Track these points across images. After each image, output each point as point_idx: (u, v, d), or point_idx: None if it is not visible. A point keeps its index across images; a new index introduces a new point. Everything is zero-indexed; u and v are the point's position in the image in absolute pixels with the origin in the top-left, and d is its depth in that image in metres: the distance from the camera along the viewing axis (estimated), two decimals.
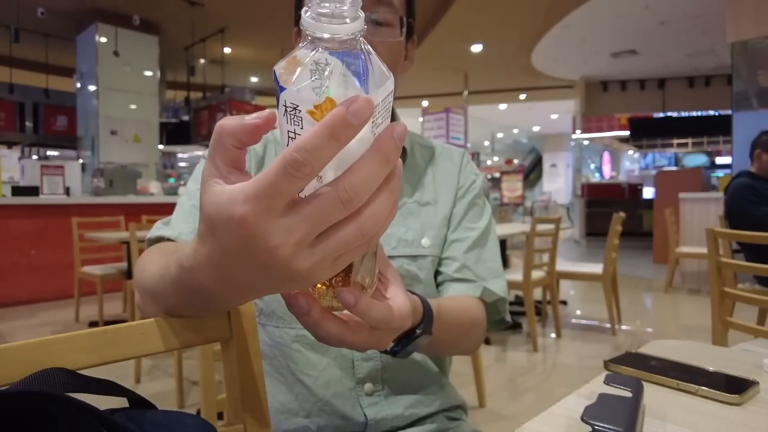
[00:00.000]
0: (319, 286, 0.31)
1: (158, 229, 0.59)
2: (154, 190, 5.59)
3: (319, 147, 0.23)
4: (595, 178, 12.97)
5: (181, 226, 0.56)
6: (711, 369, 0.52)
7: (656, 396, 0.48)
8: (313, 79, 0.24)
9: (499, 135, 17.29)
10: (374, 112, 0.24)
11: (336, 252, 0.26)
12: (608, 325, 3.04)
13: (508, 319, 0.70)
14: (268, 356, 0.64)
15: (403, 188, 0.67)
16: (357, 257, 0.29)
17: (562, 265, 3.13)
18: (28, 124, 7.37)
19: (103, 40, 6.02)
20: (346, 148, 0.24)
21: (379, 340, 0.36)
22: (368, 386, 0.61)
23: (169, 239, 0.56)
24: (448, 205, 0.69)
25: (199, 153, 11.12)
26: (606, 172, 13.92)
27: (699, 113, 9.59)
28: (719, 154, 11.67)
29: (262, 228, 0.25)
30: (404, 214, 0.65)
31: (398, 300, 0.36)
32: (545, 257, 2.90)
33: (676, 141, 11.31)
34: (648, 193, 9.35)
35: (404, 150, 0.68)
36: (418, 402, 0.64)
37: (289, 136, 0.25)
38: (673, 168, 11.11)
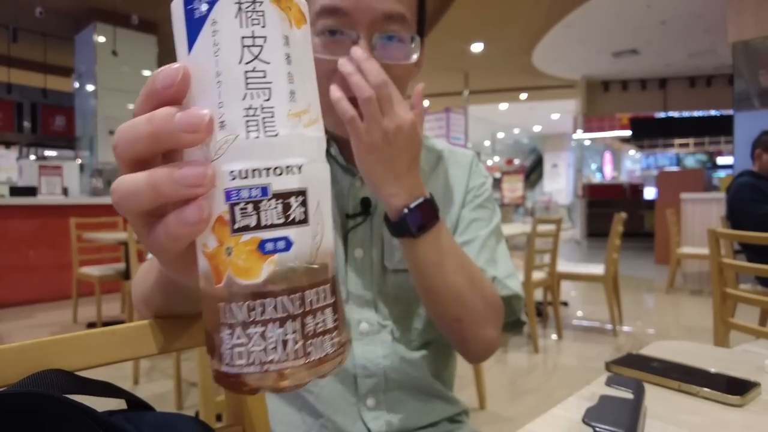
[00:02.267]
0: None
1: None
2: None
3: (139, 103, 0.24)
4: (597, 179, 12.97)
5: None
6: (712, 370, 0.52)
7: (657, 397, 0.48)
8: None
9: (500, 135, 17.28)
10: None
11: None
12: (609, 326, 3.03)
13: (524, 318, 0.66)
14: None
15: None
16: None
17: (563, 266, 3.13)
18: (26, 124, 7.38)
19: (102, 39, 6.01)
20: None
21: None
22: (370, 401, 0.60)
23: None
24: (456, 211, 0.67)
25: None
26: (607, 173, 13.91)
27: (700, 113, 9.59)
28: (721, 154, 11.67)
29: None
30: None
31: None
32: (546, 258, 2.90)
33: (677, 141, 11.31)
34: (649, 193, 9.35)
35: None
36: (421, 413, 0.63)
37: (244, 44, 0.20)
38: (675, 168, 11.11)
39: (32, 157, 7.17)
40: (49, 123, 7.38)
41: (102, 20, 5.96)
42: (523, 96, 11.19)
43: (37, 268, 4.06)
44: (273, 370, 0.21)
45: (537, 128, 16.10)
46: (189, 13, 0.21)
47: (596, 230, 8.13)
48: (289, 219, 0.21)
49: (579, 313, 3.71)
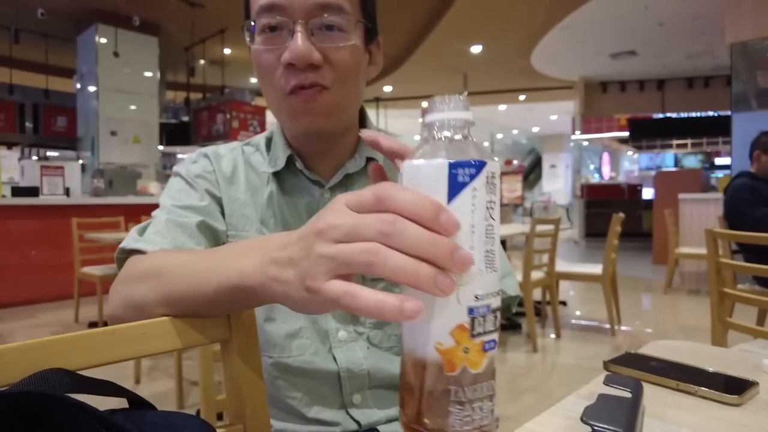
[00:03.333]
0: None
1: (135, 240, 0.54)
2: (153, 190, 5.59)
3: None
4: (595, 179, 12.99)
5: (160, 241, 0.53)
6: (710, 369, 0.53)
7: (656, 397, 0.48)
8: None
9: (499, 136, 17.31)
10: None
11: (339, 258, 0.28)
12: (608, 326, 3.04)
13: (509, 313, 0.67)
14: None
15: None
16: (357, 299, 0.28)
17: (561, 266, 3.13)
18: (28, 124, 7.39)
19: (103, 40, 6.02)
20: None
21: None
22: (356, 398, 0.60)
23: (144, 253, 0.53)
24: None
25: None
26: (605, 173, 13.94)
27: (698, 114, 9.61)
28: (718, 154, 11.71)
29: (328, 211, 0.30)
30: None
31: None
32: (545, 258, 2.90)
33: (675, 142, 11.34)
34: (647, 193, 9.36)
35: (374, 161, 0.62)
36: None
37: (487, 207, 0.28)
38: (673, 168, 11.14)
39: (34, 157, 7.19)
40: (51, 124, 7.39)
41: (103, 21, 5.97)
42: (522, 97, 11.21)
43: (39, 268, 4.06)
44: (484, 431, 0.29)
45: (535, 129, 16.13)
46: (453, 176, 0.27)
47: (594, 230, 8.14)
48: (496, 326, 0.29)
49: (577, 313, 3.72)
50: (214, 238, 0.59)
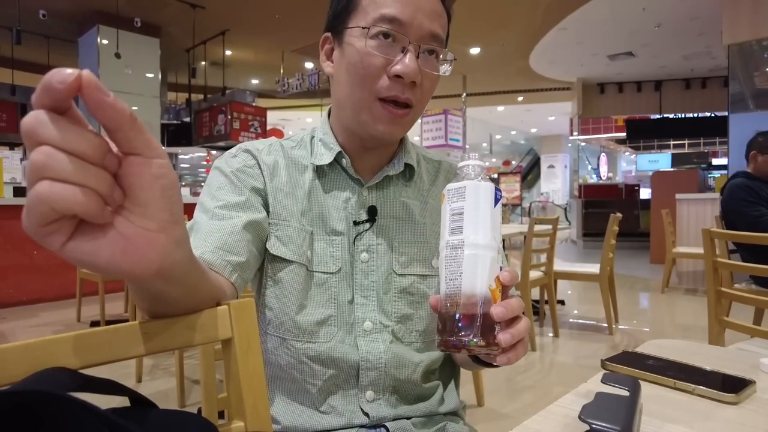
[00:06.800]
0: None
1: None
2: None
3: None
4: (593, 179, 13.01)
5: (202, 245, 0.55)
6: (707, 368, 0.53)
7: (653, 395, 0.48)
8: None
9: (497, 136, 17.33)
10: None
11: (29, 212, 0.30)
12: (605, 325, 3.05)
13: None
14: (269, 362, 0.66)
15: (411, 206, 0.69)
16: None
17: (559, 265, 3.14)
18: None
19: (105, 42, 6.02)
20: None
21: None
22: (369, 393, 0.63)
23: None
24: None
25: (201, 154, 11.07)
26: (603, 173, 13.97)
27: (695, 115, 9.64)
28: (715, 155, 11.75)
29: None
30: (416, 234, 0.68)
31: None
32: (543, 257, 2.91)
33: (672, 142, 11.37)
34: (645, 193, 9.38)
35: (411, 167, 0.70)
36: (418, 407, 0.66)
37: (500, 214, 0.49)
38: (670, 169, 11.18)
39: None
40: None
41: (105, 23, 5.98)
42: (520, 98, 11.22)
43: (42, 267, 4.06)
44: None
45: (534, 130, 16.15)
46: (497, 192, 0.48)
47: (592, 230, 8.15)
48: None
49: (575, 312, 3.73)
50: (258, 233, 0.60)
